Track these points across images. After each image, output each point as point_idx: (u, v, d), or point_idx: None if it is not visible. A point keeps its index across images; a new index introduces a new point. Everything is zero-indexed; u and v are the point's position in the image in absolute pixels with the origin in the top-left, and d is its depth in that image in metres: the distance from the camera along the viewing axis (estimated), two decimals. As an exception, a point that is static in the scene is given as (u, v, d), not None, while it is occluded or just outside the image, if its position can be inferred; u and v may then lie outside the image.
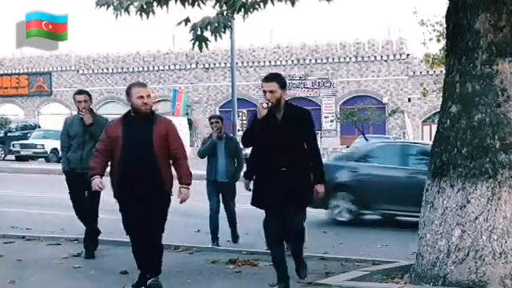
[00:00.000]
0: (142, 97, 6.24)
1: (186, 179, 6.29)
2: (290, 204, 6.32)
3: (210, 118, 9.72)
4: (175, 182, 6.31)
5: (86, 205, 8.11)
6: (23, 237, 9.47)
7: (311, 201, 6.58)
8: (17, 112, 51.39)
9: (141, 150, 6.16)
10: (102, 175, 6.31)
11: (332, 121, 43.70)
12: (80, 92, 8.45)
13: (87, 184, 6.62)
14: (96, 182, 6.27)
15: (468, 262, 6.01)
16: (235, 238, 9.75)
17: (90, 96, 8.33)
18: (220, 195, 9.54)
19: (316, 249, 8.75)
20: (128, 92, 6.33)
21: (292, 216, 6.39)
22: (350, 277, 6.72)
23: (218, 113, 46.42)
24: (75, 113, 8.37)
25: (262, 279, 6.88)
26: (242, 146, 7.62)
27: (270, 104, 6.21)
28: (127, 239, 9.23)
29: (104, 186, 6.31)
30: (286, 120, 6.30)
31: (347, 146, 33.95)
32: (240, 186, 8.42)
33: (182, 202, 6.27)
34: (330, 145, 43.35)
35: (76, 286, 6.75)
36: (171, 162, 6.37)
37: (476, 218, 6.05)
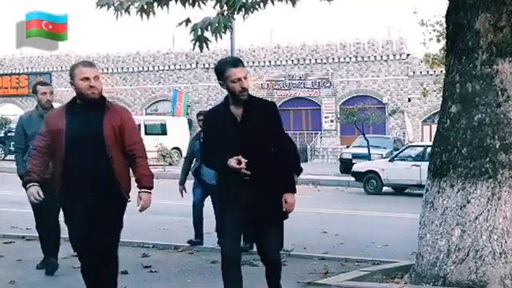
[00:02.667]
0: (88, 78, 4.96)
1: (145, 181, 5.07)
2: (260, 224, 5.13)
3: (198, 115, 8.96)
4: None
5: (51, 216, 7.04)
6: (23, 237, 9.47)
7: (285, 217, 5.29)
8: (17, 112, 51.25)
9: (89, 146, 4.92)
10: (40, 182, 5.11)
11: (332, 121, 43.64)
12: (45, 83, 7.54)
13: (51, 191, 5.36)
14: (32, 191, 5.06)
15: (468, 262, 6.01)
16: None
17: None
18: (207, 196, 8.87)
19: (316, 249, 8.76)
20: (71, 74, 5.06)
21: (264, 240, 5.21)
22: (350, 277, 6.72)
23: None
24: None
25: (262, 279, 6.87)
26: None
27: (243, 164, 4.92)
28: (126, 239, 9.27)
29: (42, 196, 5.09)
30: (248, 119, 5.03)
31: (347, 146, 33.99)
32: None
33: (141, 210, 5.06)
34: (329, 145, 43.41)
35: (76, 286, 6.74)
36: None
37: (476, 217, 6.05)
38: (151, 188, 5.10)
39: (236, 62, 5.07)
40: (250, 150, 4.94)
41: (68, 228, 5.21)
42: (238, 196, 4.96)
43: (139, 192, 5.07)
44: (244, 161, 4.90)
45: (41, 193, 5.08)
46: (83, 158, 4.92)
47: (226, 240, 5.15)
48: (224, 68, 5.04)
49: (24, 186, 5.25)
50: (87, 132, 4.94)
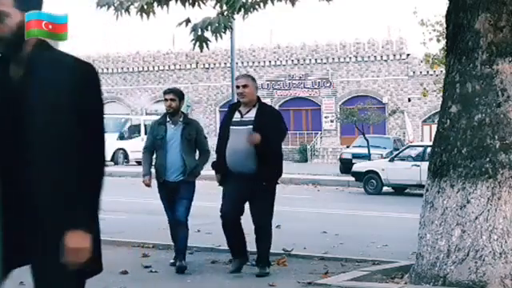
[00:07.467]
0: None
1: None
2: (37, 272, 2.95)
3: (164, 93, 7.32)
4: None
5: None
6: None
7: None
8: (17, 112, 51.39)
9: None
10: None
11: (332, 121, 43.69)
12: None
13: None
14: None
15: (468, 262, 6.01)
16: (181, 258, 7.29)
17: None
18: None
19: (316, 249, 8.75)
20: None
21: None
22: (349, 277, 6.72)
23: (218, 113, 46.53)
24: None
25: (262, 279, 6.88)
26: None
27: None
28: (127, 239, 9.28)
29: None
30: (29, 85, 2.82)
31: (347, 146, 34.00)
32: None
33: None
34: (329, 145, 43.43)
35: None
36: None
37: (476, 217, 6.05)
38: None
39: None
40: (25, 142, 2.74)
41: None
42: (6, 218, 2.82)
43: None
44: None
45: None
46: None
47: None
48: None
49: None
50: None
